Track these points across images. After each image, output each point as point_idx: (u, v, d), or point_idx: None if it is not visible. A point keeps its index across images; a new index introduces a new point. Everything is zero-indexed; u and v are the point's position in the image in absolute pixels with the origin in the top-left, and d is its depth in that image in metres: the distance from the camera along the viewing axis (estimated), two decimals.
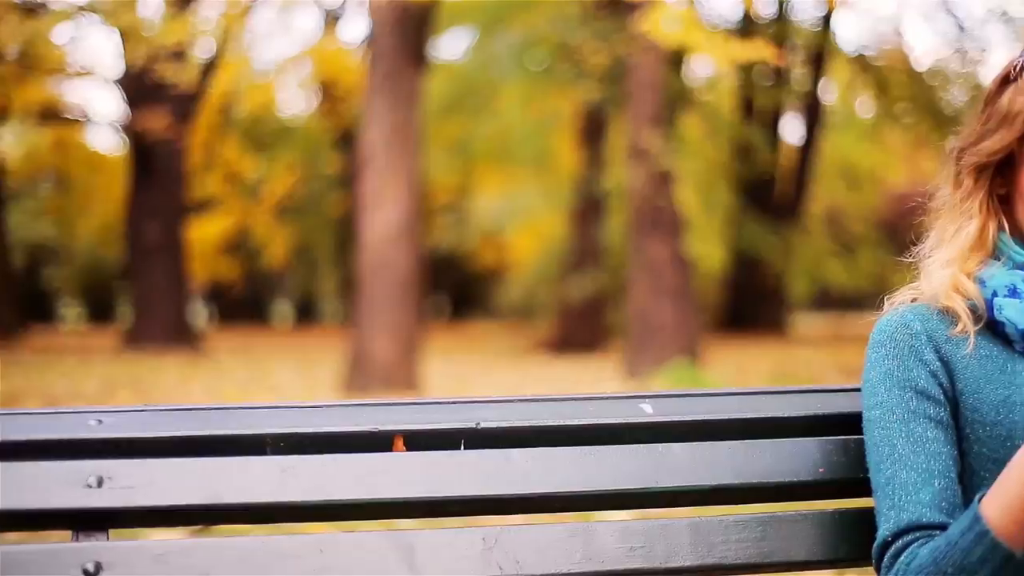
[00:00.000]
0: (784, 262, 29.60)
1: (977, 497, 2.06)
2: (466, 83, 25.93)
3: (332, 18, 31.85)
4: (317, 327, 37.92)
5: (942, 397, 2.24)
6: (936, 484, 2.17)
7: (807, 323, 34.66)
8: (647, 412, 2.41)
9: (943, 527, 2.13)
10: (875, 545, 2.19)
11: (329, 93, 29.71)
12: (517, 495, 2.29)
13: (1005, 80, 2.31)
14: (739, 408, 2.47)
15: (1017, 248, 2.30)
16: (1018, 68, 2.29)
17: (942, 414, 2.23)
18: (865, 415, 2.28)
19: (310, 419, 2.28)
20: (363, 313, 15.13)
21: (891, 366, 2.26)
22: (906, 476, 2.18)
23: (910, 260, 2.44)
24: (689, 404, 2.46)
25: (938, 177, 2.46)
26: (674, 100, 19.45)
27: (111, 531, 2.17)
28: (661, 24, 12.87)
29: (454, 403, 2.37)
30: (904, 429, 2.21)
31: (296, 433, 2.26)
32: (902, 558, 2.12)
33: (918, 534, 2.13)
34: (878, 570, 2.18)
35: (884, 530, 2.17)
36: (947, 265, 2.31)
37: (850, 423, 2.39)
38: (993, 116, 2.29)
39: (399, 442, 2.29)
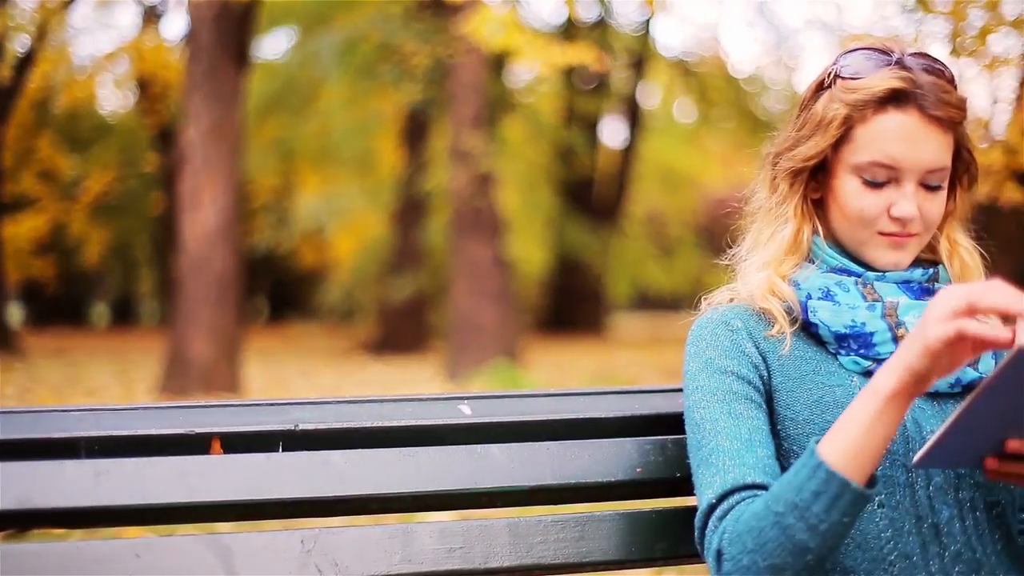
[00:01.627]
0: (604, 264, 29.89)
1: (812, 442, 2.08)
2: (288, 82, 25.71)
3: (153, 14, 31.33)
4: (135, 328, 37.30)
5: (761, 387, 2.28)
6: (759, 452, 2.19)
7: (627, 324, 35.04)
8: (466, 413, 2.42)
9: (763, 487, 2.15)
10: (698, 514, 2.19)
11: (148, 90, 29.20)
12: (336, 497, 2.27)
13: (820, 87, 2.37)
14: (558, 409, 2.49)
15: (831, 252, 2.36)
16: (833, 75, 2.34)
17: (761, 399, 2.27)
18: (686, 403, 2.31)
19: (125, 421, 2.24)
20: (181, 314, 14.92)
21: (712, 355, 2.30)
22: (729, 445, 2.20)
23: (727, 263, 2.48)
24: (508, 405, 2.46)
25: (754, 181, 2.50)
26: (496, 102, 19.53)
27: None
28: (483, 27, 12.89)
29: (272, 404, 2.35)
30: (726, 407, 2.24)
31: (111, 436, 2.21)
32: (729, 517, 2.12)
33: (744, 494, 2.14)
34: (701, 540, 2.18)
35: (709, 495, 2.17)
36: (763, 268, 2.36)
37: (667, 423, 2.42)
38: (808, 122, 2.34)
39: (216, 444, 2.26)
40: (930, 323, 1.94)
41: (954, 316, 1.92)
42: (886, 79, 2.26)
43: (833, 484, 2.02)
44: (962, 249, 2.44)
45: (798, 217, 2.38)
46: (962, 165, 2.38)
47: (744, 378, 2.28)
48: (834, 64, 2.36)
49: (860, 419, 2.02)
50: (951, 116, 2.27)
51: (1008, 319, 1.95)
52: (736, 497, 2.14)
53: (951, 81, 2.31)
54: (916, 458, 2.06)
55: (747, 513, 2.09)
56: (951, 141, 2.30)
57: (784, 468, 2.24)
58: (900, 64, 2.29)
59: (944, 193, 2.33)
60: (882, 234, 2.31)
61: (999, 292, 1.92)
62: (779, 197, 2.39)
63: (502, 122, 21.19)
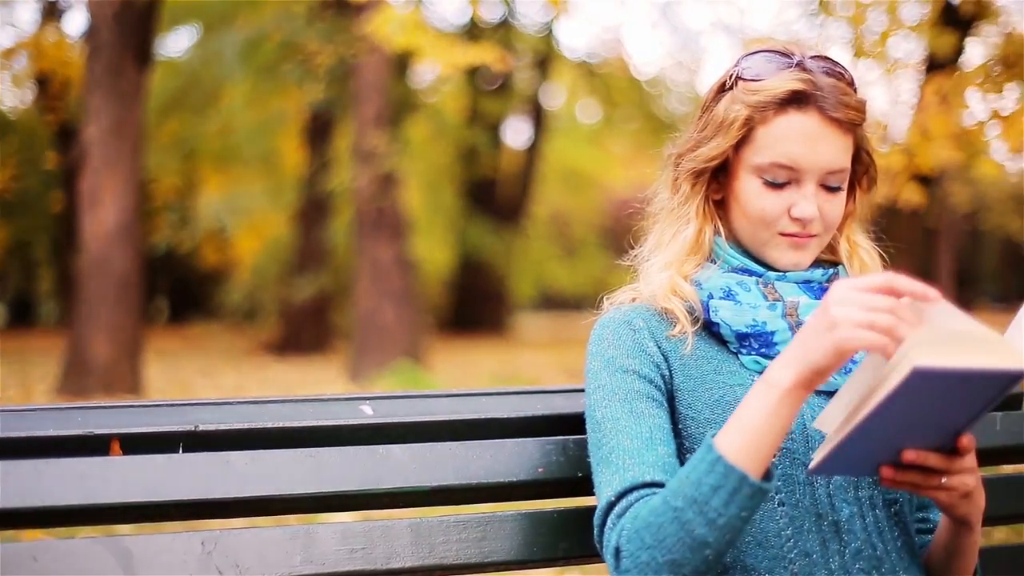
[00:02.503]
0: (508, 264, 29.91)
1: (708, 435, 2.09)
2: (190, 80, 25.47)
3: (53, 10, 30.90)
4: (34, 328, 36.75)
5: (663, 385, 2.29)
6: (659, 450, 2.20)
7: (530, 325, 35.08)
8: (367, 413, 2.41)
9: (663, 485, 2.15)
10: (597, 512, 2.20)
11: (48, 87, 28.80)
12: (237, 498, 2.26)
13: (722, 88, 2.39)
14: (460, 409, 2.49)
15: (732, 252, 2.38)
16: (734, 77, 2.36)
17: (662, 398, 2.28)
18: (587, 402, 2.32)
19: (23, 423, 2.22)
20: (81, 314, 14.73)
21: (614, 354, 2.31)
22: (629, 443, 2.20)
23: (629, 263, 2.50)
24: (410, 405, 2.46)
25: (656, 182, 2.52)
26: (400, 102, 19.47)
27: None
28: (386, 26, 12.85)
29: (172, 405, 2.33)
30: (627, 406, 2.25)
31: (9, 437, 2.19)
32: (627, 515, 2.13)
33: (643, 491, 2.15)
34: (600, 537, 2.19)
35: (608, 493, 2.17)
36: (665, 268, 2.37)
37: (569, 423, 2.43)
38: (710, 124, 2.36)
39: (115, 445, 2.24)
40: (842, 325, 1.94)
41: (869, 323, 1.93)
42: (787, 81, 2.29)
43: (731, 478, 2.03)
44: (861, 250, 2.48)
45: (700, 217, 2.39)
46: (862, 167, 2.41)
47: (646, 377, 2.29)
48: (735, 66, 2.38)
49: (757, 414, 2.04)
50: (851, 118, 2.30)
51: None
52: (635, 495, 2.15)
53: (851, 84, 2.34)
54: (811, 466, 2.08)
55: (645, 510, 2.10)
56: (851, 143, 2.33)
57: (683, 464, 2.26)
58: (801, 66, 2.32)
59: (844, 194, 2.36)
60: (783, 235, 2.34)
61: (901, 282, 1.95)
62: (681, 198, 2.41)
63: (405, 122, 21.13)
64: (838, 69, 2.35)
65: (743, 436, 2.05)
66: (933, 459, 2.06)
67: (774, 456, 2.09)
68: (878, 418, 1.95)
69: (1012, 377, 1.89)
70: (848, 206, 2.44)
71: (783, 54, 2.35)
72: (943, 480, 2.08)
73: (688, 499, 2.05)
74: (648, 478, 2.16)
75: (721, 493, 2.03)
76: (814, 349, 1.99)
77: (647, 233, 2.51)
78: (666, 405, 2.29)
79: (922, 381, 1.86)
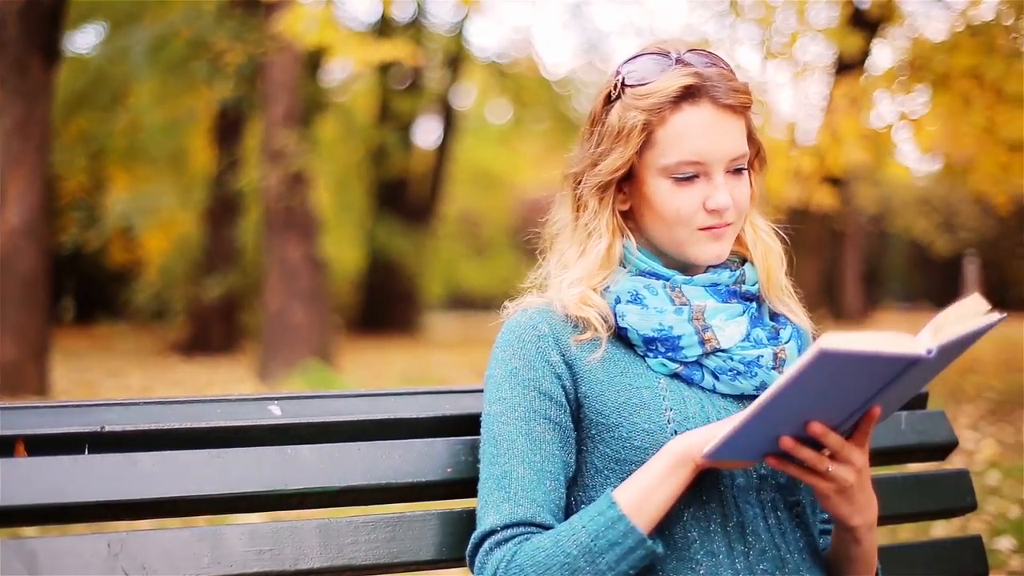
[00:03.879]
0: (418, 264, 29.85)
1: (609, 490, 2.17)
2: (97, 78, 25.19)
3: None
4: None
5: (564, 400, 2.31)
6: (548, 484, 2.25)
7: (441, 324, 35.02)
8: (275, 414, 2.41)
9: (549, 528, 2.22)
10: (477, 532, 2.25)
11: None
12: (144, 499, 2.25)
13: (608, 99, 2.39)
14: (369, 409, 2.49)
15: (641, 256, 2.39)
16: (619, 86, 2.37)
17: (562, 417, 2.30)
18: (486, 409, 2.34)
19: None
20: None
21: (517, 365, 2.31)
22: (523, 472, 2.24)
23: (537, 275, 2.51)
24: (318, 405, 2.46)
25: (556, 202, 2.52)
26: (310, 101, 19.37)
27: None
28: (297, 23, 12.79)
29: (78, 406, 2.31)
30: (525, 427, 2.27)
31: None
32: (507, 546, 2.19)
33: (525, 530, 2.21)
34: (473, 556, 2.25)
35: (495, 520, 2.22)
36: (576, 284, 2.38)
37: (478, 423, 2.43)
38: (606, 136, 2.37)
39: (20, 447, 2.22)
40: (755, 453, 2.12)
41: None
42: (676, 78, 2.31)
43: (630, 538, 2.13)
44: (763, 233, 2.51)
45: (610, 232, 2.41)
46: (753, 148, 2.44)
47: (546, 393, 2.31)
48: (616, 75, 2.39)
49: (664, 484, 2.16)
50: (741, 102, 2.34)
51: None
52: (520, 530, 2.21)
53: (732, 70, 2.37)
54: (707, 450, 2.13)
55: (530, 547, 2.17)
56: (744, 126, 2.37)
57: (595, 476, 2.29)
58: (682, 62, 2.34)
59: (747, 176, 2.40)
60: (701, 229, 2.36)
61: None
62: (589, 214, 2.42)
63: (316, 121, 21.03)
64: (716, 59, 2.39)
65: (645, 499, 2.16)
66: (833, 439, 2.12)
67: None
68: (781, 398, 2.02)
69: (909, 361, 1.99)
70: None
71: (661, 54, 2.37)
72: (827, 468, 2.14)
73: (583, 548, 2.13)
74: (538, 519, 2.23)
75: (617, 550, 2.13)
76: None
77: (549, 253, 2.52)
78: (565, 423, 2.32)
79: (827, 363, 1.94)
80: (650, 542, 2.14)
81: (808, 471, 2.16)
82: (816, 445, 2.15)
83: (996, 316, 2.15)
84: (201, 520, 4.29)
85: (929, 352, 1.99)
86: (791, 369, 1.98)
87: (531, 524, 2.22)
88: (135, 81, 23.93)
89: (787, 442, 2.11)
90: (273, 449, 2.36)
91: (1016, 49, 12.28)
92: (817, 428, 2.09)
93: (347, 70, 25.18)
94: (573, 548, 2.13)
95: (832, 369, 1.97)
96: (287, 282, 16.56)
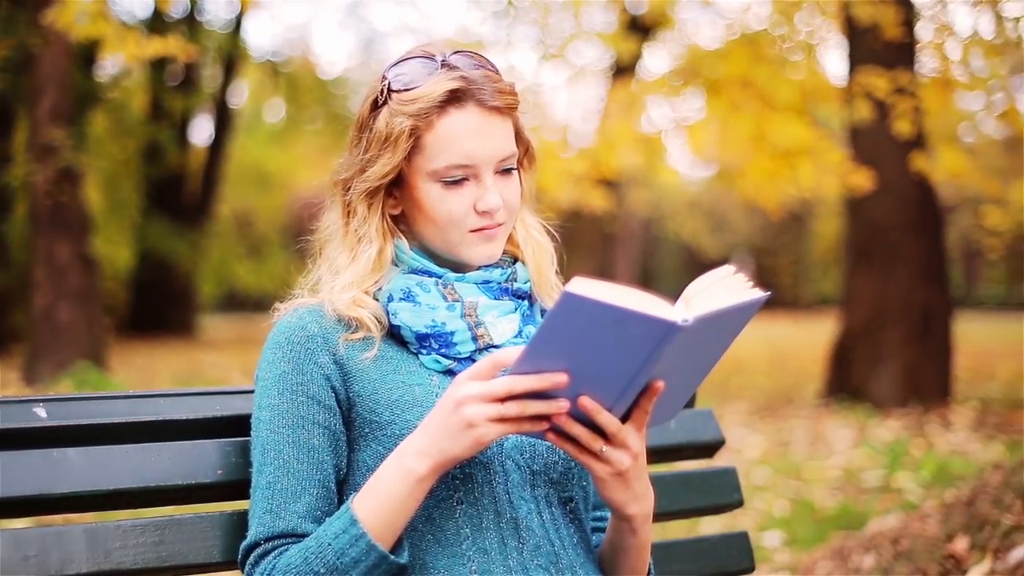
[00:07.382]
0: (192, 264, 29.43)
1: (349, 500, 2.19)
2: None
3: None
4: None
5: (334, 403, 2.31)
6: (314, 492, 2.26)
7: (215, 325, 34.58)
8: (41, 416, 2.36)
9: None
10: (245, 543, 2.26)
11: None
12: None
13: (375, 105, 2.39)
14: (137, 411, 2.46)
15: (414, 255, 2.40)
16: (385, 91, 2.37)
17: (332, 420, 2.30)
18: (255, 414, 2.33)
19: None
20: None
21: (286, 369, 2.31)
22: (287, 483, 2.25)
23: (308, 281, 2.50)
24: (86, 407, 2.42)
25: (325, 208, 2.52)
26: (82, 95, 18.95)
27: None
28: (70, 15, 12.49)
29: None
30: (292, 435, 2.27)
31: None
32: (267, 560, 2.21)
33: (285, 542, 2.23)
34: (243, 565, 2.26)
35: (258, 532, 2.25)
36: (348, 289, 2.37)
37: (248, 424, 2.42)
38: (373, 142, 2.37)
39: None
40: (479, 424, 2.09)
41: (499, 414, 2.08)
42: (441, 82, 2.32)
43: (373, 555, 2.15)
44: (534, 231, 2.54)
45: (381, 236, 2.41)
46: (522, 147, 2.46)
47: (315, 397, 2.31)
48: (383, 80, 2.39)
49: (396, 494, 2.17)
50: (508, 103, 2.36)
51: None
52: (278, 543, 2.24)
53: (498, 72, 2.40)
54: None
55: (283, 562, 2.19)
56: (512, 126, 2.39)
57: (368, 475, 2.29)
58: (448, 65, 2.36)
59: (516, 176, 2.42)
60: (473, 231, 2.37)
61: (522, 379, 2.07)
62: (359, 220, 2.41)
63: (88, 116, 20.59)
64: (483, 61, 2.41)
65: (382, 512, 2.17)
66: (605, 417, 2.13)
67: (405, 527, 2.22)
68: (537, 346, 2.03)
69: (662, 325, 1.97)
70: None
71: (427, 57, 2.38)
72: (601, 448, 2.15)
73: (330, 566, 2.15)
74: (299, 529, 2.25)
75: (361, 567, 2.15)
76: (454, 445, 2.12)
77: (320, 257, 2.51)
78: (335, 427, 2.33)
79: (575, 307, 1.96)
80: (392, 556, 2.16)
81: (583, 450, 2.16)
82: (594, 426, 2.16)
83: (760, 292, 2.16)
84: None
85: (685, 321, 1.96)
86: (540, 326, 2.00)
87: (291, 535, 2.24)
88: None
89: (563, 403, 2.10)
90: (38, 452, 2.31)
91: (783, 58, 12.64)
92: (587, 403, 2.09)
93: (118, 64, 24.70)
94: (321, 567, 2.15)
95: (583, 319, 1.97)
96: (55, 281, 16.16)
